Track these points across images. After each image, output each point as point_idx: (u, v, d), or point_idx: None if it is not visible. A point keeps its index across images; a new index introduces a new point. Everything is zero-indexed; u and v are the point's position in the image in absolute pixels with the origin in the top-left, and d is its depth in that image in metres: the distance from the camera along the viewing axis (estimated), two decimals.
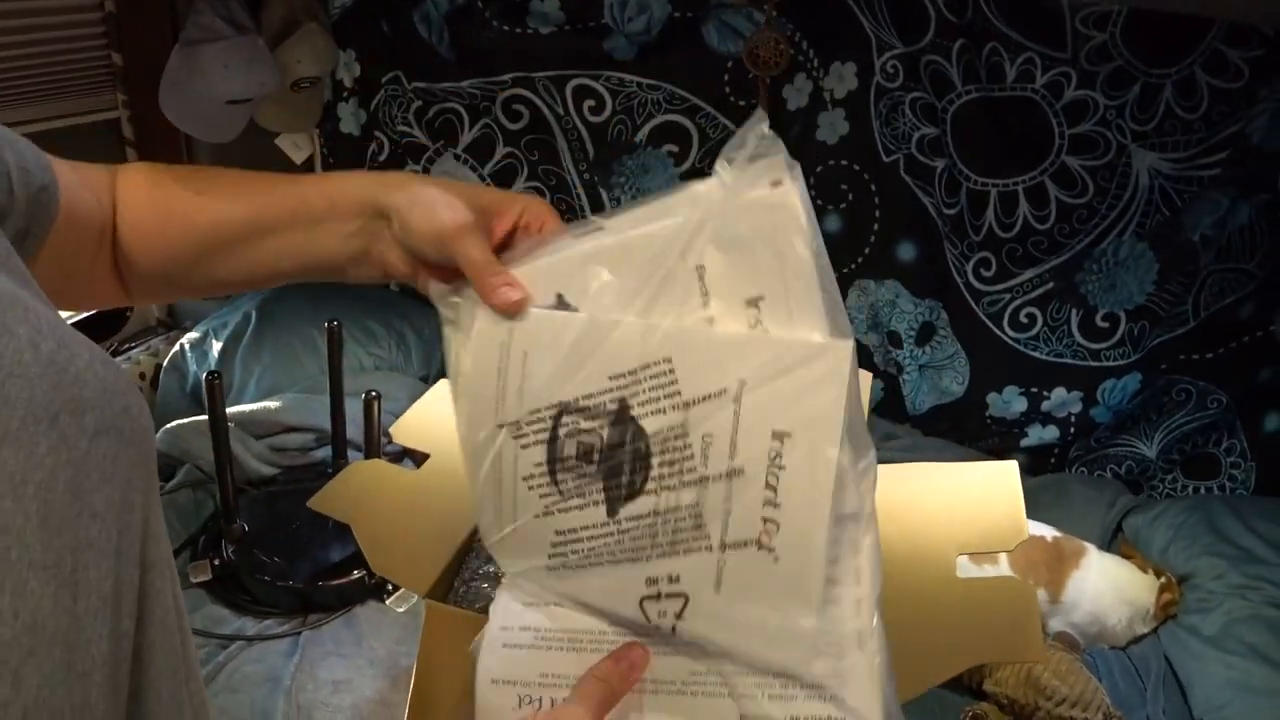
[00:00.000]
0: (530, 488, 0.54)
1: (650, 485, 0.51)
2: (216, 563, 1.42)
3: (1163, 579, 1.38)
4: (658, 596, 0.52)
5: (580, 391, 0.51)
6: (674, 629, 0.52)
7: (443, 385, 1.08)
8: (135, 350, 1.78)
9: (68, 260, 0.57)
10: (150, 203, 0.63)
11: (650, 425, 0.50)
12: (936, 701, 1.27)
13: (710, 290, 0.50)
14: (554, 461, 0.53)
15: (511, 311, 0.54)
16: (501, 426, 0.54)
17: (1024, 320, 1.60)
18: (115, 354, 1.76)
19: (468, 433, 0.56)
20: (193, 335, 1.74)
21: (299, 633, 1.35)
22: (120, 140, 1.62)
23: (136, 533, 0.45)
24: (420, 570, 0.88)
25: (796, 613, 0.49)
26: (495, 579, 0.93)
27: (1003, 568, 1.39)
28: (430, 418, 1.02)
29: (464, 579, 0.95)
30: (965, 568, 1.38)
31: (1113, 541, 1.53)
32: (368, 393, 1.36)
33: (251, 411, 1.60)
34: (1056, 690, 1.18)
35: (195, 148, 1.67)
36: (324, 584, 1.39)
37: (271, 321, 1.73)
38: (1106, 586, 1.36)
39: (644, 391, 0.50)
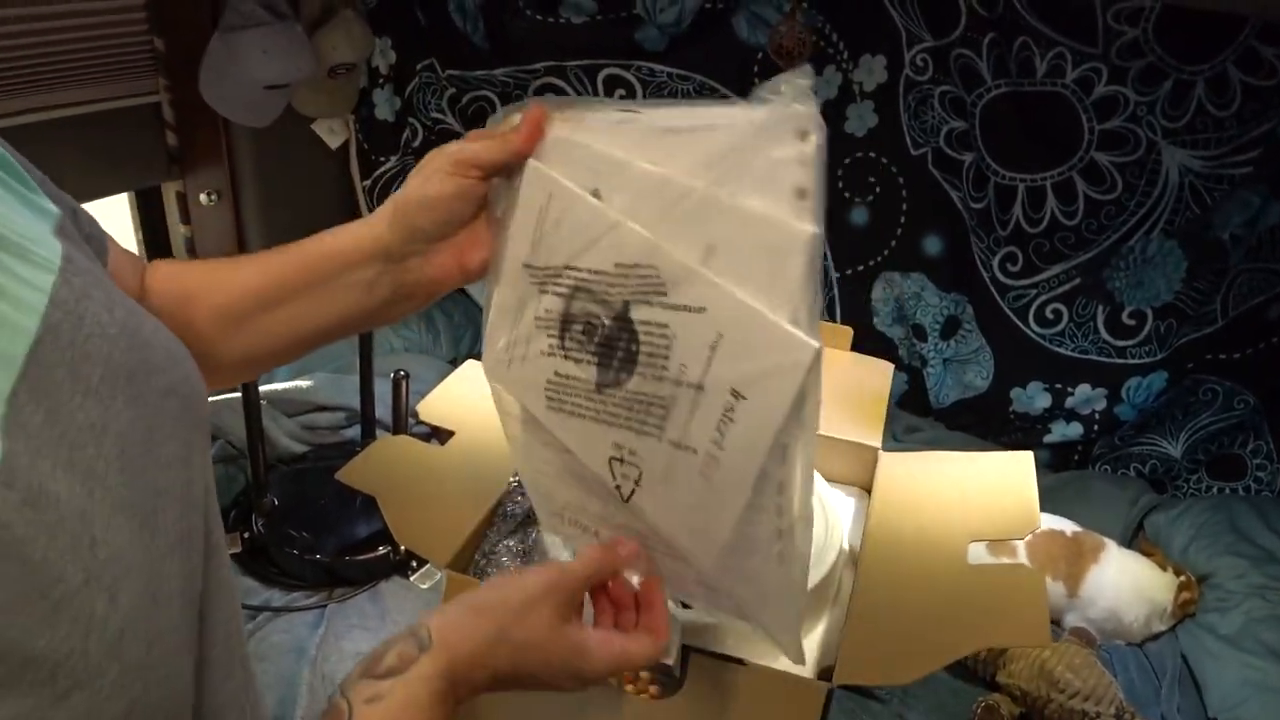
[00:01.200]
0: (539, 327, 0.61)
1: (633, 368, 0.57)
2: (246, 536, 1.46)
3: (1182, 577, 1.38)
4: (621, 460, 0.59)
5: (591, 265, 0.57)
6: (630, 496, 0.59)
7: (468, 366, 1.11)
8: None
9: None
10: (171, 289, 0.66)
11: (641, 315, 0.56)
12: (950, 692, 1.28)
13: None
14: (565, 318, 0.60)
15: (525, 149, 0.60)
16: (528, 267, 0.61)
17: (1049, 316, 1.60)
18: None
19: (510, 256, 0.62)
20: None
21: (325, 605, 1.39)
22: (160, 124, 1.66)
23: (199, 486, 0.49)
24: (442, 542, 0.91)
25: (716, 530, 0.56)
26: (514, 553, 0.96)
27: (1020, 559, 1.39)
28: (456, 397, 1.05)
29: (484, 552, 0.97)
30: (982, 558, 1.40)
31: (1134, 539, 1.53)
32: (396, 372, 1.39)
33: (284, 390, 1.64)
34: (1069, 683, 1.19)
35: (234, 132, 1.71)
36: (350, 559, 1.42)
37: None
38: (1125, 583, 1.36)
39: (640, 284, 0.55)
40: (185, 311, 0.64)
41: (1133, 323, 1.57)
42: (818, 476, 1.03)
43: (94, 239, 0.56)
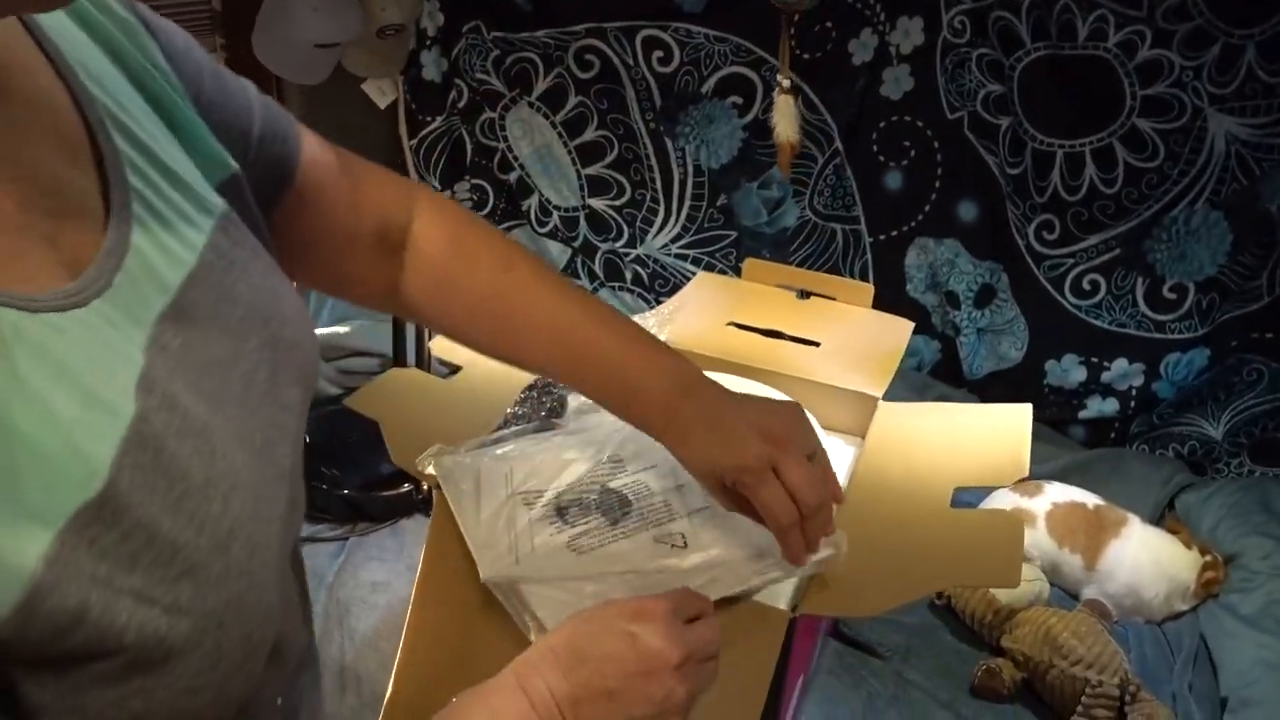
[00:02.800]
0: (540, 519, 0.77)
1: (629, 507, 0.79)
2: None
3: (1208, 557, 1.34)
4: (666, 537, 0.77)
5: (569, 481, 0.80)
6: (686, 544, 0.76)
7: None
8: None
9: (307, 241, 0.64)
10: (442, 275, 0.70)
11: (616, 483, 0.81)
12: (954, 654, 1.27)
13: None
14: (560, 509, 0.78)
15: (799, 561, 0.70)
16: (511, 496, 0.79)
17: (1086, 287, 1.56)
18: None
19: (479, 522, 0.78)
20: None
21: (346, 538, 1.44)
22: None
23: (302, 436, 0.54)
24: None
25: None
26: None
27: (1039, 529, 1.37)
28: None
29: None
30: None
31: (1163, 517, 1.49)
32: None
33: (323, 335, 1.71)
34: (1073, 650, 1.17)
35: (286, 89, 1.77)
36: (374, 495, 1.48)
37: None
38: (1146, 559, 1.33)
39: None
40: (445, 300, 0.70)
41: (1173, 296, 1.52)
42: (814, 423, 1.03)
43: (274, 167, 0.60)
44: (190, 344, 0.45)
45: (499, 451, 0.84)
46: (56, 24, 0.46)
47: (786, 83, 1.47)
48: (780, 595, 0.77)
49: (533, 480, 0.81)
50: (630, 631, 0.56)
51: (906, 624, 1.32)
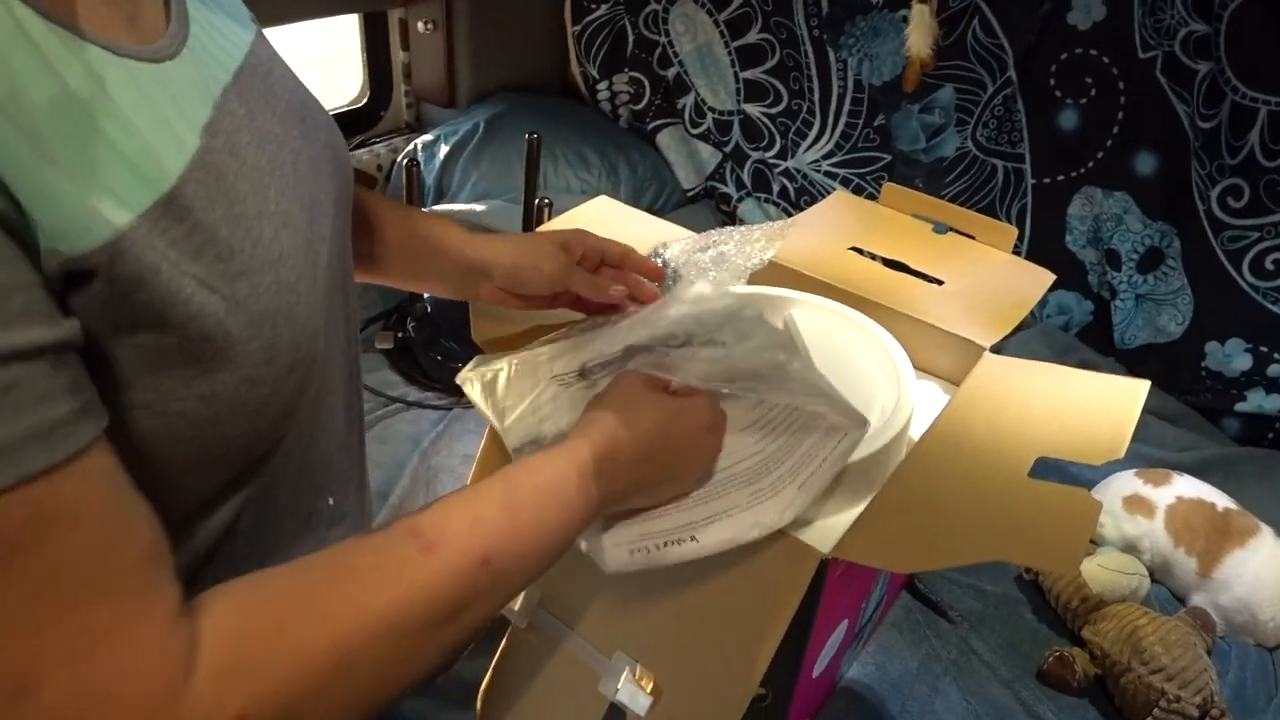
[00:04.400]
0: (562, 385, 0.80)
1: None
2: (399, 335, 1.59)
3: None
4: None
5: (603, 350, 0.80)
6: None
7: (601, 201, 1.14)
8: (378, 145, 1.97)
9: None
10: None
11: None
12: (1029, 633, 1.20)
13: None
14: (583, 373, 0.79)
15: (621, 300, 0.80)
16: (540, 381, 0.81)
17: (1269, 267, 1.39)
18: (362, 146, 1.95)
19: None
20: (426, 138, 1.89)
21: (450, 408, 1.50)
22: None
23: (344, 235, 0.63)
24: (507, 345, 0.96)
25: None
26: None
27: (1156, 524, 1.26)
28: (580, 224, 1.08)
29: None
30: (1117, 514, 1.28)
31: None
32: (540, 199, 1.44)
33: (460, 211, 1.74)
34: (1156, 657, 1.08)
35: None
36: None
37: (496, 133, 1.85)
38: (1270, 577, 1.20)
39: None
40: None
41: None
42: (904, 361, 0.97)
43: None
44: (251, 116, 0.52)
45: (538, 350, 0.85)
46: None
47: None
48: (825, 537, 0.74)
49: (560, 362, 0.81)
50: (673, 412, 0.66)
51: (988, 592, 1.26)
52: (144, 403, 0.43)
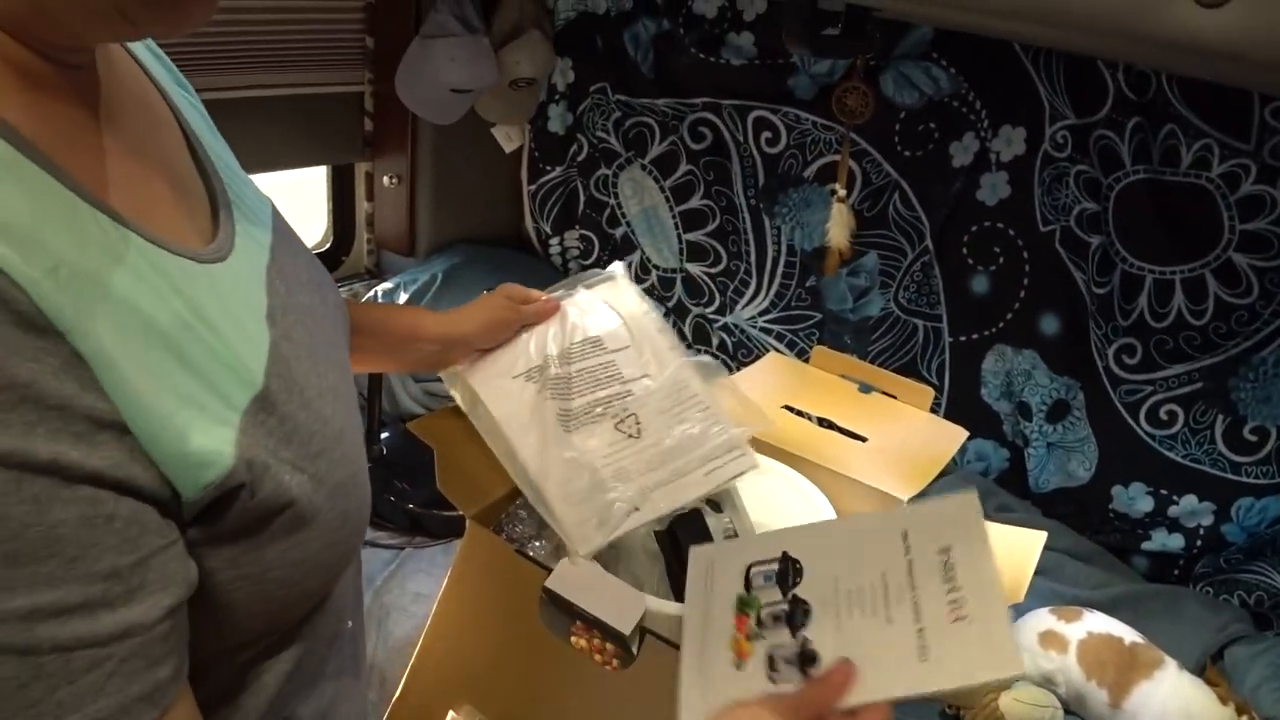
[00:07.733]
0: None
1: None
2: None
3: (1244, 717, 1.28)
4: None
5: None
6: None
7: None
8: (339, 288, 2.06)
9: None
10: None
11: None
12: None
13: None
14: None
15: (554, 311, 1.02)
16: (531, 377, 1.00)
17: (1163, 417, 1.53)
18: None
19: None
20: (386, 285, 1.99)
21: (403, 548, 1.54)
22: (361, 111, 1.90)
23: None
24: (473, 495, 1.03)
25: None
26: (533, 520, 1.06)
27: (1069, 658, 1.34)
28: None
29: (508, 514, 1.08)
30: (1034, 652, 1.36)
31: (1206, 668, 1.43)
32: None
33: None
34: None
35: (420, 126, 1.92)
36: (435, 513, 1.58)
37: (454, 284, 1.95)
38: (1174, 706, 1.28)
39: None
40: None
41: (1254, 439, 1.47)
42: (829, 513, 1.07)
43: None
44: (289, 290, 0.59)
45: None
46: (138, 49, 0.58)
47: (843, 192, 1.59)
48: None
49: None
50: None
51: None
52: (247, 575, 0.49)
